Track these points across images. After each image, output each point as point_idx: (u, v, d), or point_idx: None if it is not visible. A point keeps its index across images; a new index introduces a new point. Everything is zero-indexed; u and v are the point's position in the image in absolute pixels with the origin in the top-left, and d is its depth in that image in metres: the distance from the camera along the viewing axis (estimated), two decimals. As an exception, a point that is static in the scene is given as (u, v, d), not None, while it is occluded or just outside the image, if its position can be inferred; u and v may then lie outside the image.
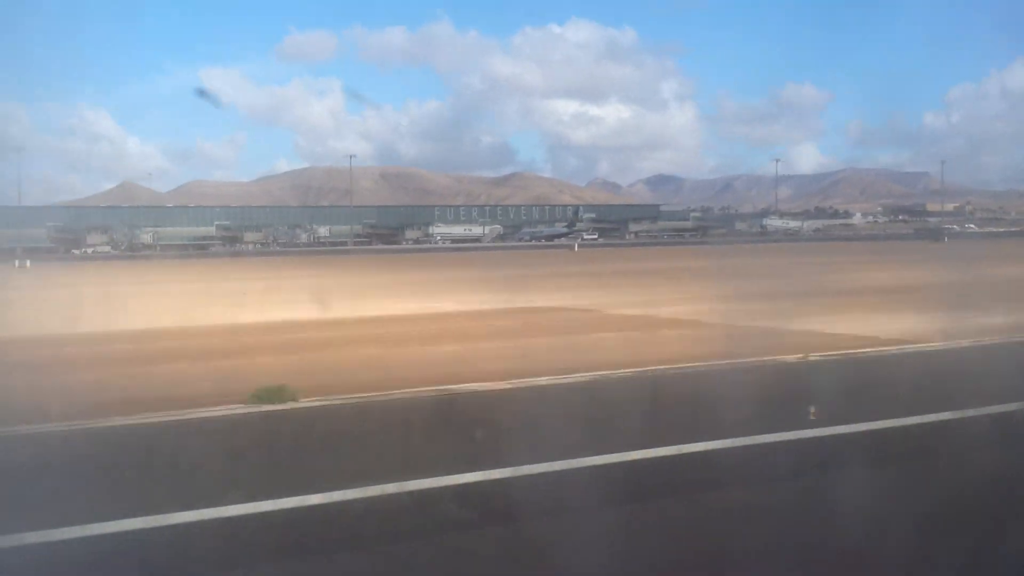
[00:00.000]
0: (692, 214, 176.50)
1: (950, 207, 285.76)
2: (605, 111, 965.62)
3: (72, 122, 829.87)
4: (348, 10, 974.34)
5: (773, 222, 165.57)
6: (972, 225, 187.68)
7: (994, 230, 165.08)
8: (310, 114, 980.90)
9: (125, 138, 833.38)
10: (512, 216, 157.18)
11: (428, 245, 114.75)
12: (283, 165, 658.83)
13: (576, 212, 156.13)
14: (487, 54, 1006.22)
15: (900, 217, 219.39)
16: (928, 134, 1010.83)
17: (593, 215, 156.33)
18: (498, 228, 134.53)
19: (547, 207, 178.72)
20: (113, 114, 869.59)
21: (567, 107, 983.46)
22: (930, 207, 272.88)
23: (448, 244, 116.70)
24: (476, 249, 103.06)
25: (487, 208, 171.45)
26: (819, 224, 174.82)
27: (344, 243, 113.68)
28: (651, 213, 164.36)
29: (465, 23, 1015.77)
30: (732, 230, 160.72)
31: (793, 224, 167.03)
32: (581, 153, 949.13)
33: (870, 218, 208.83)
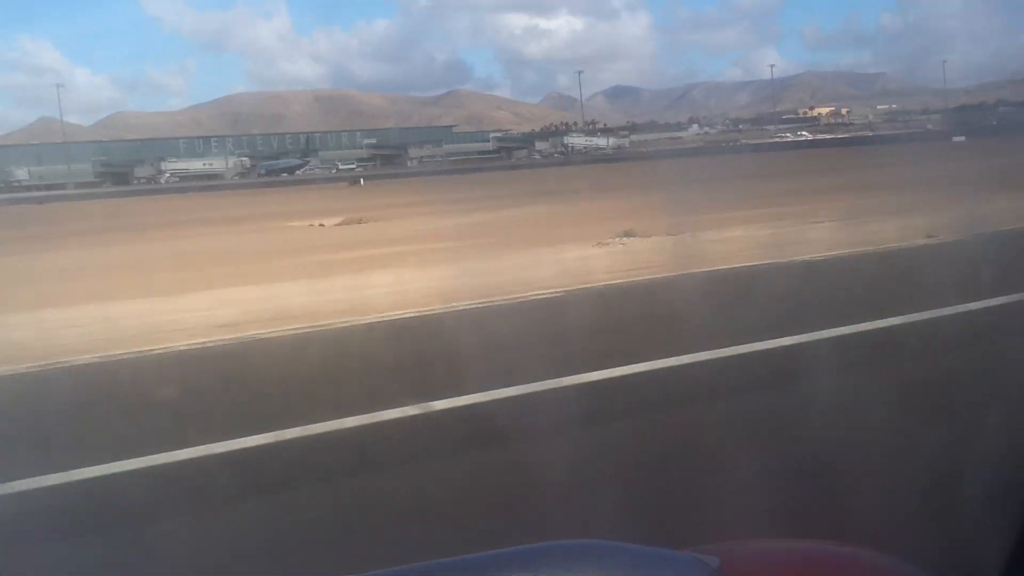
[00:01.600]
0: (492, 135, 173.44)
1: (824, 111, 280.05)
2: (557, 24, 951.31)
3: (14, 55, 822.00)
4: None
5: (576, 140, 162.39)
6: (804, 133, 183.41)
7: (795, 139, 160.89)
8: (257, 37, 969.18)
9: (72, 70, 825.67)
10: (276, 145, 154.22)
11: (152, 186, 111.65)
12: (239, 90, 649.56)
13: (307, 140, 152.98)
14: None
15: (739, 127, 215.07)
16: (887, 35, 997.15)
17: (374, 140, 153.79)
18: (244, 161, 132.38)
19: (315, 134, 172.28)
20: (58, 46, 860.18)
21: (518, 21, 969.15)
22: (815, 112, 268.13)
23: (176, 182, 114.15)
24: (181, 189, 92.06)
25: (246, 139, 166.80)
26: (625, 142, 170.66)
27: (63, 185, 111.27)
28: (439, 136, 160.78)
29: None
30: (534, 151, 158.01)
31: (599, 142, 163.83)
32: (538, 68, 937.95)
33: (705, 130, 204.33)
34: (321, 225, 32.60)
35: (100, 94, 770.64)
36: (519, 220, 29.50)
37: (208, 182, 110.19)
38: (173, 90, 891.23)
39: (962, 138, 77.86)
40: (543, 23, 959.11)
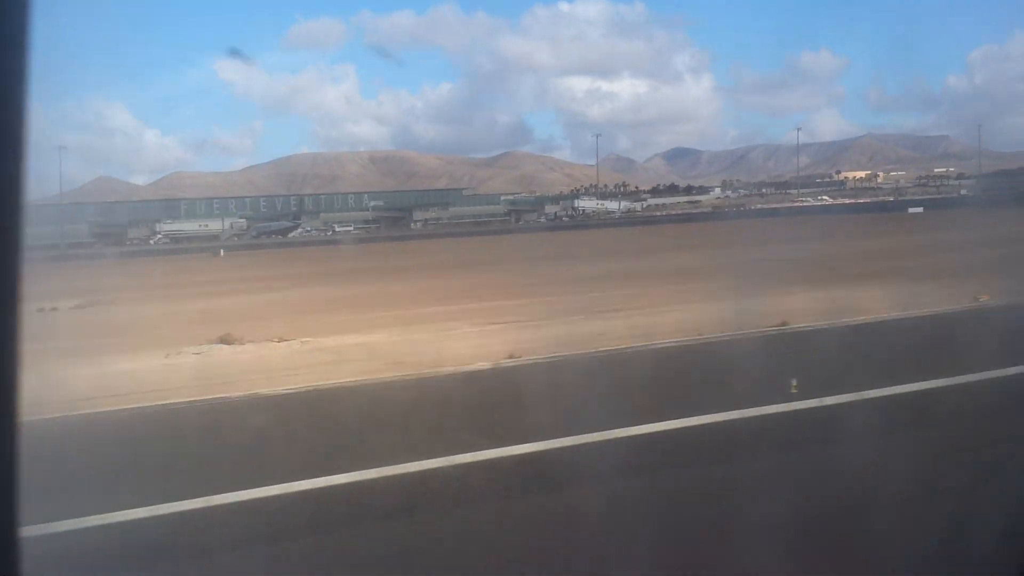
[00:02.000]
0: (503, 198, 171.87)
1: (857, 175, 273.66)
2: (619, 86, 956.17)
3: (87, 118, 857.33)
4: None
5: (586, 204, 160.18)
6: (826, 197, 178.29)
7: (814, 203, 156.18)
8: (324, 101, 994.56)
9: (142, 131, 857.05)
10: (292, 205, 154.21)
11: (142, 247, 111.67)
12: (301, 151, 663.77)
13: (300, 202, 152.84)
14: (496, 34, 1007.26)
15: (763, 191, 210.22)
16: (950, 97, 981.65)
17: (380, 202, 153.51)
18: (241, 223, 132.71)
19: (338, 195, 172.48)
20: (130, 108, 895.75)
21: (580, 84, 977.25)
22: (842, 176, 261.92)
23: (166, 243, 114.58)
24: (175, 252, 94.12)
25: (263, 199, 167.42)
26: (638, 206, 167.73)
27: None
28: (445, 199, 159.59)
29: (472, 5, 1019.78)
30: (543, 213, 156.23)
31: (611, 206, 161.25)
32: (599, 130, 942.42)
33: (727, 194, 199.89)
34: (54, 309, 30.57)
35: (168, 155, 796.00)
36: (224, 310, 27.20)
37: (189, 244, 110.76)
38: (239, 151, 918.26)
39: (919, 209, 73.91)
40: (605, 86, 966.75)
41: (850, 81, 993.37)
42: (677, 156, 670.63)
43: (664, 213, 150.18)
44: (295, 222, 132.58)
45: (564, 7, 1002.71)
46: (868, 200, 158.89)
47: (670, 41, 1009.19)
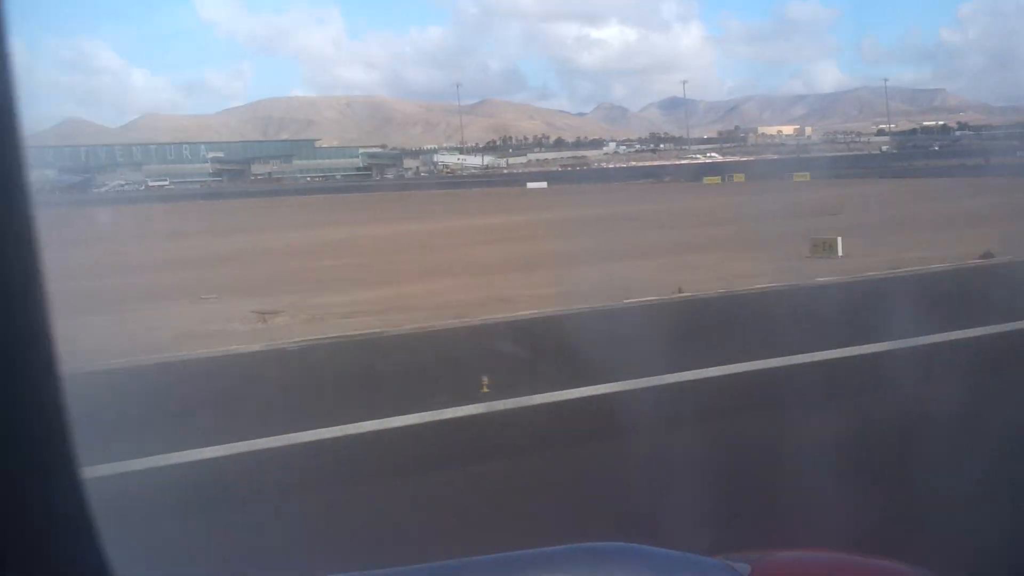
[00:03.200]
0: (362, 151, 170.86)
1: (774, 130, 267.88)
2: (608, 33, 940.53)
3: (72, 55, 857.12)
4: None
5: (447, 159, 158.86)
6: (714, 155, 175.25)
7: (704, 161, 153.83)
8: (311, 42, 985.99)
9: (129, 71, 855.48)
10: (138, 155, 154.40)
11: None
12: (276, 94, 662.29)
13: (144, 152, 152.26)
14: None
15: (660, 147, 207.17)
16: (945, 50, 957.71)
17: (220, 154, 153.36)
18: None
19: (171, 145, 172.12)
20: (115, 48, 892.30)
21: (568, 30, 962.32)
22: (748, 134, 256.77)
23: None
24: None
25: (104, 149, 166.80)
26: (503, 162, 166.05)
27: None
28: (295, 150, 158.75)
29: None
30: (402, 169, 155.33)
31: (472, 161, 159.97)
32: (592, 78, 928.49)
33: (619, 150, 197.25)
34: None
35: (145, 96, 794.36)
36: None
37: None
38: (219, 93, 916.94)
39: (542, 184, 71.33)
40: (594, 32, 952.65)
41: (843, 33, 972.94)
42: (673, 105, 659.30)
43: (505, 173, 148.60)
44: (85, 176, 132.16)
45: None
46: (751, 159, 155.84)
47: None
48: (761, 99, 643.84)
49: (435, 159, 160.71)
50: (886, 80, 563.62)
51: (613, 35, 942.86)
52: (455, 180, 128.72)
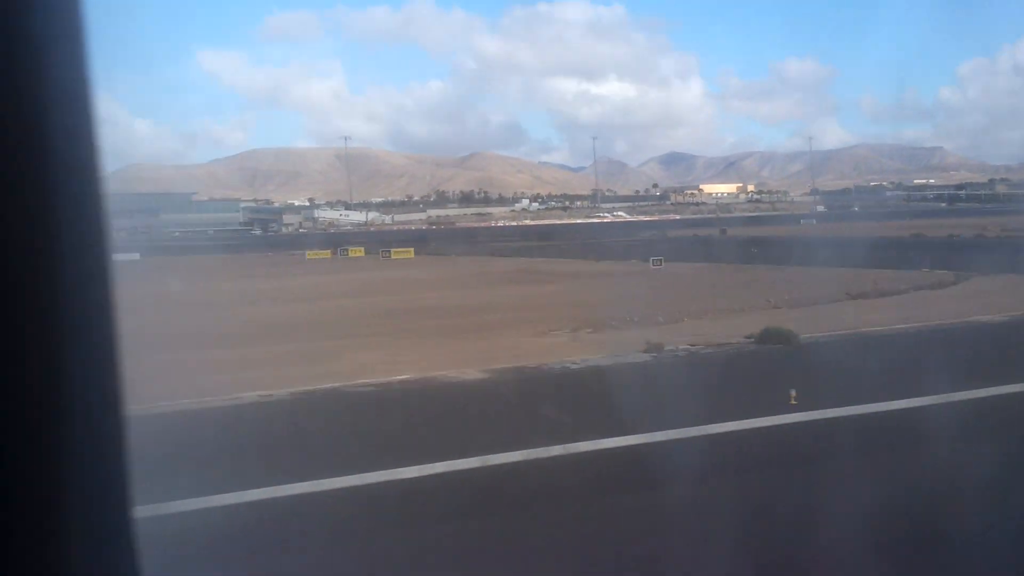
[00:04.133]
0: (243, 206, 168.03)
1: (691, 192, 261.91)
2: (608, 89, 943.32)
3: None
4: None
5: (327, 214, 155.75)
6: (622, 213, 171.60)
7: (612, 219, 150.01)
8: (311, 95, 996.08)
9: (131, 120, 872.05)
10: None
11: None
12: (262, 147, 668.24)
13: None
14: (476, 32, 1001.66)
15: (571, 203, 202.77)
16: (944, 109, 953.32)
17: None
18: None
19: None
20: (117, 97, 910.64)
21: (568, 86, 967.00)
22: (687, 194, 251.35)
23: None
24: None
25: None
26: (388, 218, 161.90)
27: None
28: (167, 203, 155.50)
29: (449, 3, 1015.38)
30: (281, 224, 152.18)
31: (356, 217, 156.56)
32: (593, 132, 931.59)
33: (534, 206, 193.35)
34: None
35: (173, 143, 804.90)
36: None
37: None
38: (229, 143, 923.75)
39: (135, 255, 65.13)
40: (593, 88, 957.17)
41: (842, 91, 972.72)
42: (673, 161, 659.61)
43: (371, 231, 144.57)
44: None
45: (543, 7, 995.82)
46: (601, 220, 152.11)
47: (652, 44, 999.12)
48: (762, 155, 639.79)
49: (315, 215, 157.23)
50: (876, 137, 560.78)
51: (613, 91, 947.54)
52: (283, 239, 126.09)
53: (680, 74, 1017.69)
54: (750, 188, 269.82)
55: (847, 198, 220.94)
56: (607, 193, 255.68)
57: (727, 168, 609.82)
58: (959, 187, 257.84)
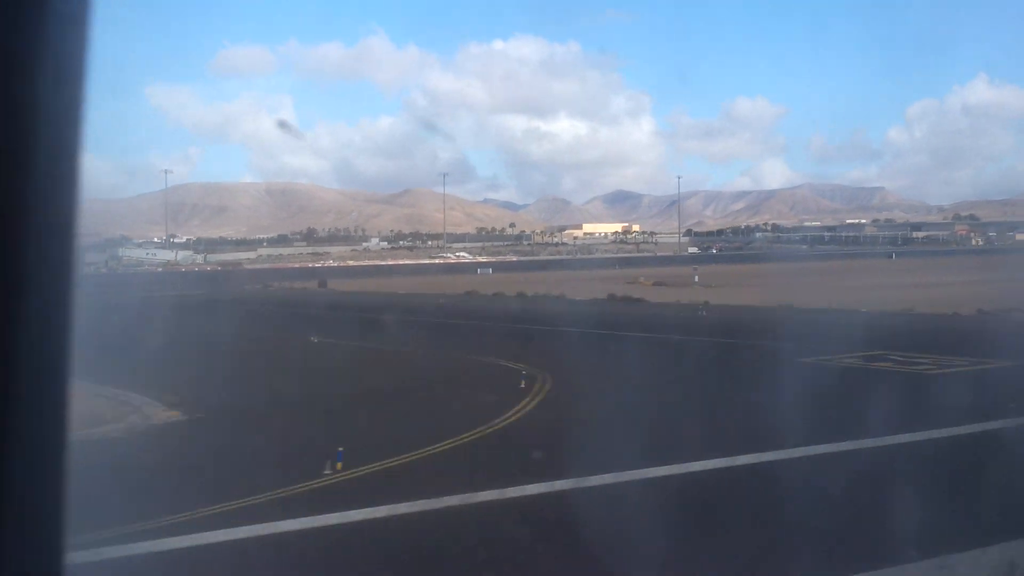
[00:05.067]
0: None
1: (557, 235, 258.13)
2: (558, 127, 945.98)
3: None
4: (282, 25, 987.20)
5: (132, 253, 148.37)
6: (464, 254, 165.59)
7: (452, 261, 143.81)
8: (259, 130, 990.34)
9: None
10: None
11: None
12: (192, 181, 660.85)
13: None
14: (429, 69, 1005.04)
15: (417, 243, 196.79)
16: (892, 149, 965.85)
17: None
18: None
19: None
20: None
21: (518, 123, 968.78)
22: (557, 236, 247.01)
23: None
24: None
25: None
26: (200, 257, 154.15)
27: None
28: None
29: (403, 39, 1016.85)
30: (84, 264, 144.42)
31: (165, 256, 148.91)
32: (541, 170, 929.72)
33: (382, 245, 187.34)
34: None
35: (117, 178, 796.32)
36: None
37: None
38: (169, 178, 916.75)
39: None
40: (543, 126, 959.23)
41: (791, 131, 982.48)
42: (618, 199, 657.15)
43: (181, 270, 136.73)
44: None
45: (498, 45, 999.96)
46: (438, 262, 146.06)
47: (605, 82, 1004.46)
48: (707, 194, 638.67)
49: (120, 253, 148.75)
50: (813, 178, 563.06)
51: (564, 128, 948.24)
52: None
53: (631, 112, 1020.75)
54: (634, 228, 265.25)
55: (717, 239, 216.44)
56: (479, 231, 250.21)
57: (670, 207, 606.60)
58: (830, 229, 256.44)
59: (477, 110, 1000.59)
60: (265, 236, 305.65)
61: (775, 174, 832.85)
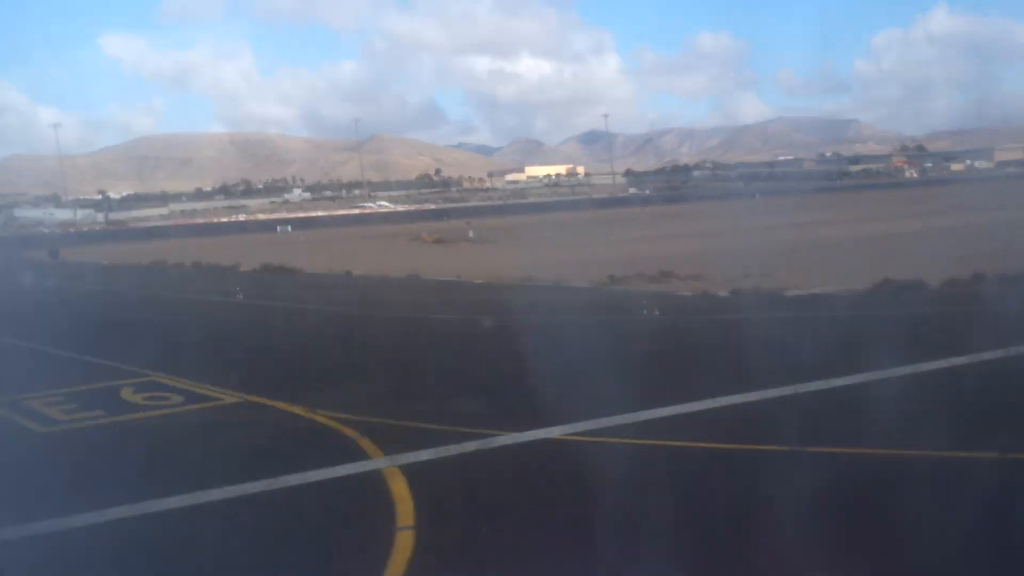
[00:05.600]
0: None
1: (488, 179, 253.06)
2: (522, 67, 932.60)
3: None
4: None
5: (31, 213, 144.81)
6: (385, 203, 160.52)
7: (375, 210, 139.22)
8: (220, 79, 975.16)
9: (34, 109, 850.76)
10: None
11: None
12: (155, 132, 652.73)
13: None
14: (386, 11, 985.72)
15: (339, 192, 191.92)
16: (861, 81, 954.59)
17: None
18: None
19: None
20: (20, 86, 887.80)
21: (481, 64, 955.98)
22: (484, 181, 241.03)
23: None
24: None
25: None
26: (102, 216, 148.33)
27: None
28: None
29: None
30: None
31: (63, 215, 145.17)
32: (513, 110, 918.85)
33: (307, 195, 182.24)
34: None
35: (81, 131, 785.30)
36: None
37: None
38: (137, 130, 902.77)
39: None
40: (508, 67, 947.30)
41: (758, 65, 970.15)
42: (592, 139, 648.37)
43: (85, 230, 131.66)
44: None
45: None
46: (446, 207, 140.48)
47: (563, 20, 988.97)
48: (681, 131, 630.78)
49: (15, 213, 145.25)
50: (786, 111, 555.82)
51: (528, 68, 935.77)
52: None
53: (594, 50, 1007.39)
54: (579, 170, 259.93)
55: (659, 178, 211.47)
56: (409, 179, 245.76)
57: (645, 145, 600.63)
58: (770, 164, 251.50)
59: (438, 52, 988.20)
60: (227, 187, 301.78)
61: (748, 109, 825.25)
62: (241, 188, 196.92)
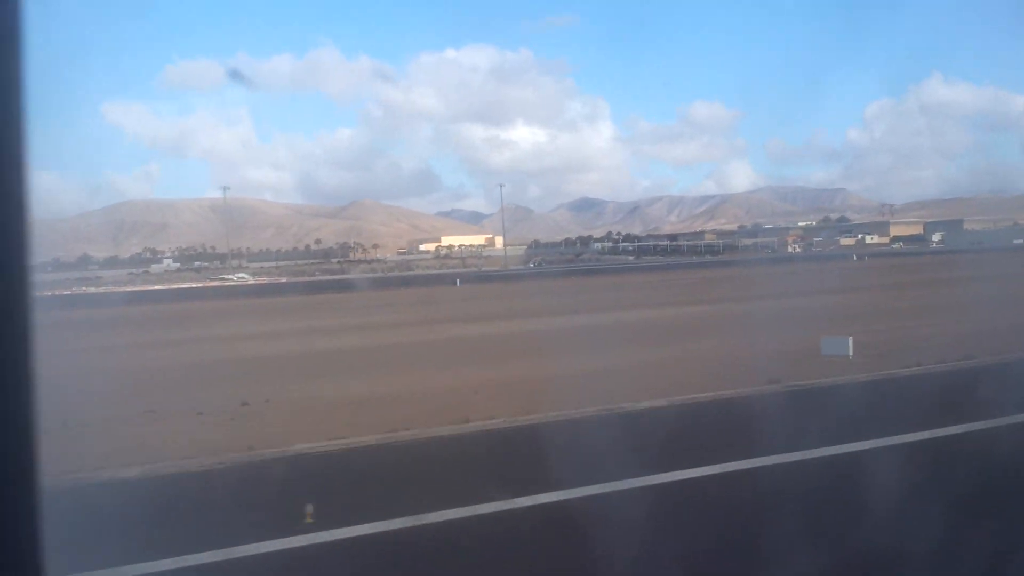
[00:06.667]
0: None
1: (377, 252, 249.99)
2: (518, 135, 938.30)
3: None
4: (231, 38, 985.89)
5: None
6: (244, 275, 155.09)
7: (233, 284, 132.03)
8: (219, 144, 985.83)
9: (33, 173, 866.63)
10: None
11: None
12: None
13: None
14: (383, 80, 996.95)
15: (196, 265, 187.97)
16: (852, 150, 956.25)
17: None
18: None
19: None
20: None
21: (476, 132, 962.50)
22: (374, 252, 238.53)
23: None
24: None
25: None
26: None
27: None
28: None
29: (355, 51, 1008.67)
30: None
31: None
32: (506, 178, 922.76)
33: (175, 266, 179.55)
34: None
35: (76, 196, 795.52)
36: None
37: None
38: (129, 195, 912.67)
39: None
40: (502, 134, 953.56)
41: (750, 134, 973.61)
42: (583, 207, 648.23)
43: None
44: None
45: (449, 53, 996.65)
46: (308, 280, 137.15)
47: (559, 88, 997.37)
48: (671, 199, 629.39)
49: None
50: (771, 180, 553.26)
51: (522, 136, 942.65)
52: None
53: (588, 118, 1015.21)
54: (497, 240, 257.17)
55: (561, 251, 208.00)
56: (319, 246, 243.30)
57: (633, 212, 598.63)
58: (672, 237, 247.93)
59: (435, 120, 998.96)
60: (87, 257, 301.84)
61: (739, 177, 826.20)
62: (103, 259, 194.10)
